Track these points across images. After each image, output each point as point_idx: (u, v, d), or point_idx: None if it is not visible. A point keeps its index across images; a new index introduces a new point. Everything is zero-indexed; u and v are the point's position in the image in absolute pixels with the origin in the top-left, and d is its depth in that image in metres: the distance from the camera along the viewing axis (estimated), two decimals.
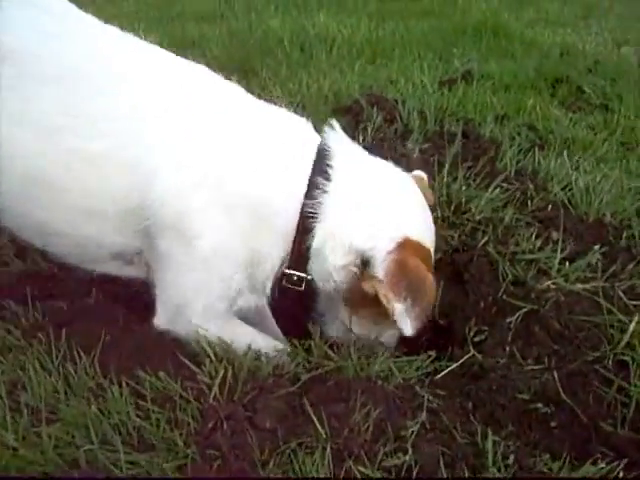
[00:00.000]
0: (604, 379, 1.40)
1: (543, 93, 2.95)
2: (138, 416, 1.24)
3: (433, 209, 1.61)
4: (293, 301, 1.53)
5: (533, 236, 1.82)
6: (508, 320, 1.58)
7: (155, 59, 1.48)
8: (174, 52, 4.22)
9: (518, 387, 1.40)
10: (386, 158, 2.28)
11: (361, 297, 1.36)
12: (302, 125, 1.49)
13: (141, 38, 1.53)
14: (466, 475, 1.17)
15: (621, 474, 1.16)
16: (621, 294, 1.60)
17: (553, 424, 1.36)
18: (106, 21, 1.57)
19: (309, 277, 1.40)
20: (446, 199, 1.98)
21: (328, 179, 1.36)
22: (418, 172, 1.62)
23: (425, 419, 1.28)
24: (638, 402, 1.31)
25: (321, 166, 1.37)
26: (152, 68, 1.45)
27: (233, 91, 1.51)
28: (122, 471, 1.14)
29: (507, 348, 1.52)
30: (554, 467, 1.23)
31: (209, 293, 1.40)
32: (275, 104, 1.54)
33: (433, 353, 1.52)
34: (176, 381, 1.29)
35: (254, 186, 1.34)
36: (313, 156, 1.38)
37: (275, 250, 1.37)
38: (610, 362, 1.43)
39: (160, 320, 1.46)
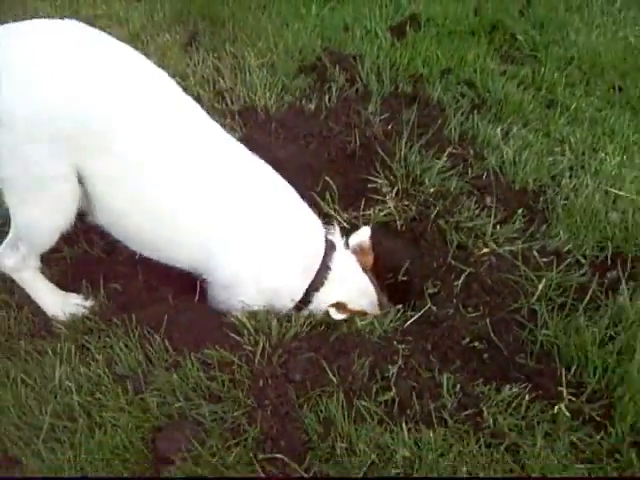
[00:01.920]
0: (520, 324, 2.02)
1: (481, 41, 3.36)
2: (208, 379, 1.80)
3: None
4: None
5: (472, 204, 2.38)
6: (454, 278, 2.18)
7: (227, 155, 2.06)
8: None
9: (462, 332, 2.01)
10: (351, 124, 2.76)
11: None
12: (320, 232, 2.17)
13: None
14: (429, 403, 1.79)
15: (527, 396, 1.80)
16: (535, 254, 2.20)
17: (485, 356, 1.99)
18: None
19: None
20: (405, 172, 2.48)
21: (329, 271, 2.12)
22: (361, 240, 2.23)
23: (401, 363, 1.88)
24: (542, 343, 1.93)
25: (325, 262, 2.12)
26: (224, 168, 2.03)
27: (286, 199, 2.13)
28: (206, 419, 1.72)
29: (454, 300, 2.12)
30: (485, 390, 1.86)
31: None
32: None
33: (401, 307, 2.12)
34: (230, 351, 1.84)
35: (279, 279, 2.08)
36: (322, 254, 2.13)
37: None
38: (525, 311, 2.05)
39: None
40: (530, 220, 2.36)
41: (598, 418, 1.75)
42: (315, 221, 2.19)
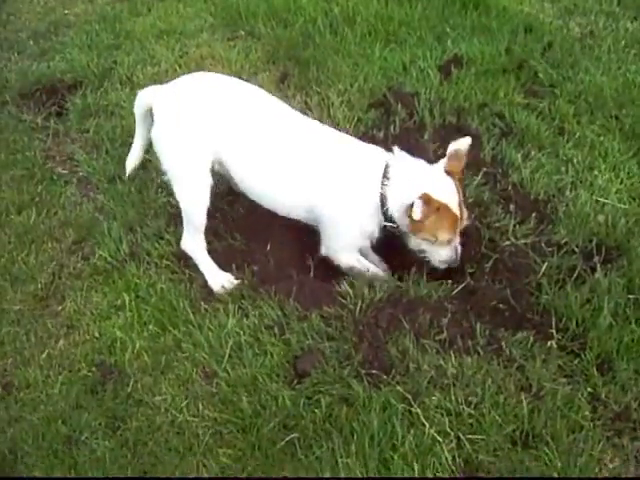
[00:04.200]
0: (530, 292, 3.01)
1: (510, 78, 4.28)
2: (326, 325, 2.85)
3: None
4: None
5: (499, 209, 3.37)
6: (485, 262, 3.18)
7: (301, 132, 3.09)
8: (221, 23, 5.37)
9: (491, 297, 3.01)
10: (410, 149, 3.74)
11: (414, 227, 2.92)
12: (378, 152, 3.08)
13: None
14: (468, 340, 2.79)
15: (532, 337, 2.80)
16: (542, 245, 3.18)
17: (506, 314, 2.98)
18: None
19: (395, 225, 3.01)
20: None
21: (388, 175, 2.94)
22: (458, 147, 2.98)
23: (450, 317, 2.90)
24: (544, 304, 2.92)
25: (385, 175, 2.95)
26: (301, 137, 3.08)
27: (349, 146, 3.10)
28: (327, 350, 2.76)
29: (485, 276, 3.12)
30: (505, 334, 2.86)
31: (345, 243, 3.08)
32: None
33: (450, 281, 3.14)
34: (339, 308, 2.89)
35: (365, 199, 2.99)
36: (383, 165, 2.98)
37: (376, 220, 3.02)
38: (534, 284, 3.03)
39: (322, 252, 3.15)
40: (540, 221, 3.32)
41: (576, 350, 2.74)
42: (369, 150, 3.09)
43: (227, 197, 3.61)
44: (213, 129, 3.01)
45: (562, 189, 3.47)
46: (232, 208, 3.55)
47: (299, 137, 3.06)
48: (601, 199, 3.36)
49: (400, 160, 2.99)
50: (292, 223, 3.41)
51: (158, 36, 5.39)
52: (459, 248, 3.05)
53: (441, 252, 3.05)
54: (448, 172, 2.93)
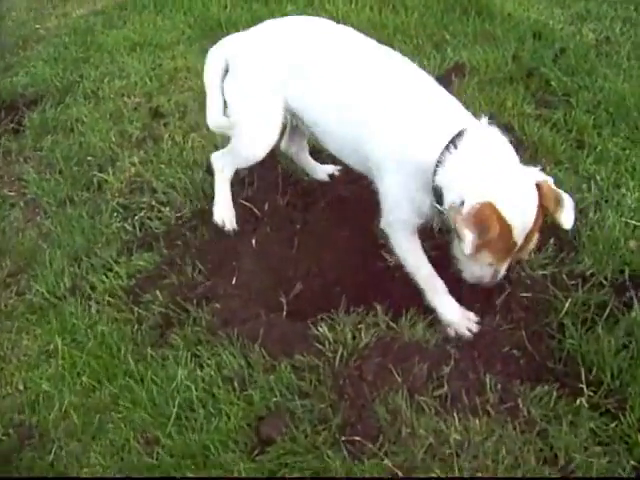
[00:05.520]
0: (550, 335, 2.45)
1: (519, 87, 3.80)
2: (298, 379, 2.29)
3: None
4: None
5: None
6: (496, 297, 2.62)
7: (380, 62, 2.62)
8: (200, 34, 4.90)
9: (503, 342, 2.45)
10: None
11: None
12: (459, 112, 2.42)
13: None
14: (475, 397, 2.23)
15: (555, 393, 2.23)
16: (564, 277, 2.63)
17: (521, 362, 2.42)
18: None
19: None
20: None
21: (457, 143, 2.21)
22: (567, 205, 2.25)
23: (452, 366, 2.33)
24: (568, 350, 2.36)
25: (454, 141, 2.22)
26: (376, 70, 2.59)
27: (425, 85, 2.50)
28: (298, 410, 2.20)
29: (496, 316, 2.57)
30: (521, 388, 2.29)
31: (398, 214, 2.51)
32: None
33: None
34: (315, 357, 2.33)
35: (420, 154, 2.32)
36: (458, 128, 2.25)
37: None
38: (555, 325, 2.48)
39: (381, 224, 2.58)
40: (560, 248, 2.77)
41: (613, 410, 2.17)
42: (447, 105, 2.43)
43: (191, 222, 3.10)
44: (285, 70, 2.70)
45: (585, 210, 2.92)
46: (195, 234, 3.01)
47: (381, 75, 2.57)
48: (631, 221, 2.82)
49: (483, 133, 2.28)
50: (263, 252, 2.91)
51: (131, 48, 4.97)
52: (501, 273, 2.38)
53: (475, 269, 2.37)
54: (538, 186, 2.21)
